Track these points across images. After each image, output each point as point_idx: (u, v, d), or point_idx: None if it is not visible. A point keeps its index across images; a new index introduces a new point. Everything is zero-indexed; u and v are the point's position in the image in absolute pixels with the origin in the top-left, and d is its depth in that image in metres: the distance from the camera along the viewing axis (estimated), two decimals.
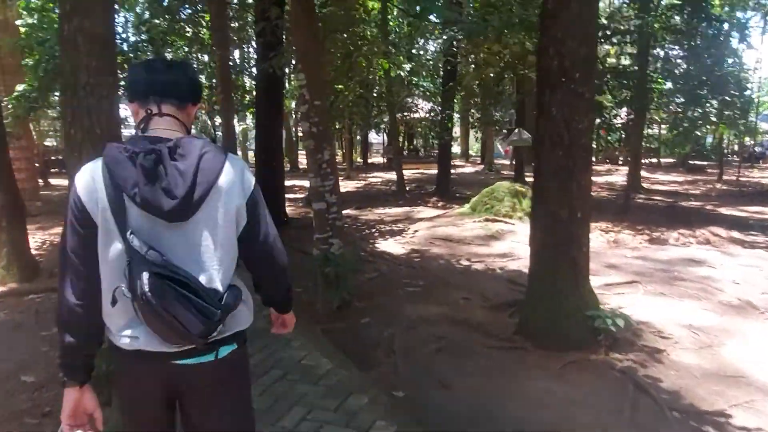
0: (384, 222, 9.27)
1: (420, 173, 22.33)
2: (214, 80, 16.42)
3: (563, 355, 3.59)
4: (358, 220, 9.49)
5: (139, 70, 1.33)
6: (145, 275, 1.10)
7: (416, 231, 8.00)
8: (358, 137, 29.61)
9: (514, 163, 28.38)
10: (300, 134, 27.46)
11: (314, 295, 4.68)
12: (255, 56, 19.56)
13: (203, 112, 24.57)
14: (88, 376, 1.28)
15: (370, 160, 31.06)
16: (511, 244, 7.11)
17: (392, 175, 21.80)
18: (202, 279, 1.20)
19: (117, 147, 1.19)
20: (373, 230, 8.45)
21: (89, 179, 1.19)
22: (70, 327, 1.22)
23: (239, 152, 24.23)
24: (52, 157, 22.01)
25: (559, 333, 3.69)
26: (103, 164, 1.19)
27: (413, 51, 15.13)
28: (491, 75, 14.02)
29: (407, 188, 14.11)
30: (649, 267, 6.10)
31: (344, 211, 10.76)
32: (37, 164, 20.79)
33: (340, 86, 18.23)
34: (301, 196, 13.47)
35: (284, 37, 8.02)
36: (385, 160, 27.95)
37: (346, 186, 16.22)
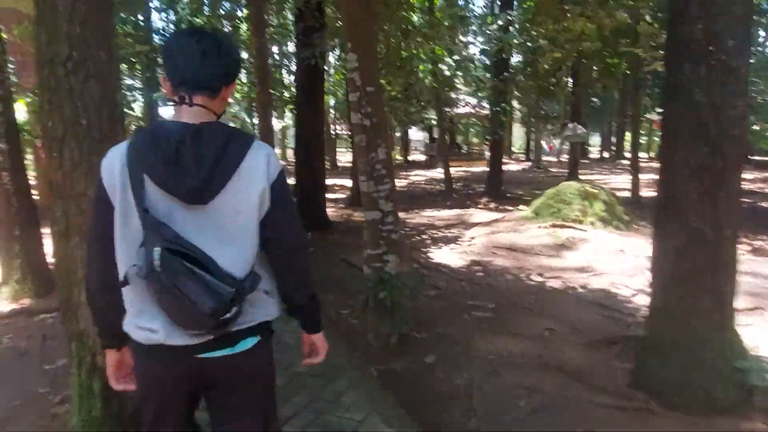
0: (435, 227, 8.37)
1: (464, 171, 21.31)
2: (251, 75, 16.01)
3: (704, 420, 2.65)
4: (406, 224, 8.64)
5: (173, 50, 1.24)
6: (157, 250, 1.10)
7: (473, 238, 7.09)
8: (397, 134, 28.74)
9: (561, 159, 27.00)
10: (338, 131, 26.94)
11: (364, 322, 3.88)
12: (294, 50, 19.15)
13: (241, 108, 24.36)
14: (124, 340, 1.28)
15: (410, 158, 30.21)
16: (586, 256, 6.10)
17: (435, 174, 20.94)
18: (219, 261, 1.16)
19: (143, 131, 1.22)
20: (425, 236, 7.58)
21: (111, 161, 1.21)
22: (96, 307, 1.31)
23: (278, 151, 23.81)
24: None
25: (697, 390, 2.74)
26: (127, 146, 1.20)
27: (461, 40, 14.13)
28: (545, 66, 12.89)
29: (455, 188, 13.16)
30: (766, 286, 5.02)
31: None
32: None
33: (381, 80, 17.48)
34: (342, 196, 12.75)
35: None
36: (427, 158, 27.00)
37: None
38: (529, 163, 25.03)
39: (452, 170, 22.69)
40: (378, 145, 3.66)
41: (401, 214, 9.54)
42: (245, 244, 1.23)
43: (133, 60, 12.89)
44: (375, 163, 3.65)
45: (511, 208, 10.67)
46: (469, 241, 7.04)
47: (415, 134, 35.87)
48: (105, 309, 1.28)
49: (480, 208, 10.47)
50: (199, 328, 1.17)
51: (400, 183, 16.89)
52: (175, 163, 1.15)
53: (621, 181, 15.72)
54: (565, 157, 31.43)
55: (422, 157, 32.61)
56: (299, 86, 7.83)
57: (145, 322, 1.19)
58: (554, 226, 7.16)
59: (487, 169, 18.96)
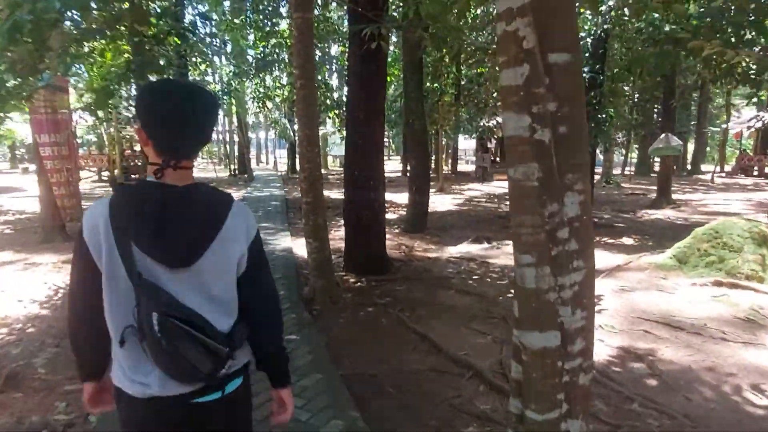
0: None
1: None
2: (291, 77, 14.30)
3: None
4: (488, 265, 6.54)
5: (153, 115, 1.21)
6: (155, 315, 1.13)
7: (601, 298, 4.93)
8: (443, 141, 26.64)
9: (627, 173, 24.22)
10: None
11: None
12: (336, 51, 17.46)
13: (282, 113, 22.82)
14: (103, 372, 1.35)
15: (459, 169, 28.04)
16: None
17: (492, 188, 18.71)
18: (209, 320, 1.21)
19: (125, 191, 1.22)
20: None
21: (95, 221, 1.20)
22: (79, 354, 1.34)
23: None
24: (131, 163, 21.18)
25: None
26: (109, 206, 1.20)
27: None
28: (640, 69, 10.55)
29: None
30: None
31: (460, 247, 7.68)
32: (106, 175, 19.97)
33: (434, 84, 15.57)
34: (394, 216, 10.75)
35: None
36: (478, 170, 24.76)
37: (442, 202, 13.30)
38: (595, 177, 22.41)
39: (507, 184, 20.38)
40: (567, 185, 1.62)
41: (477, 250, 7.43)
42: (229, 301, 1.29)
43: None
44: (557, 225, 1.61)
45: (609, 240, 8.43)
46: (598, 305, 4.89)
47: (461, 143, 33.63)
48: (88, 348, 1.32)
49: None
50: (196, 383, 1.23)
51: (455, 199, 14.79)
52: (161, 230, 1.17)
53: (737, 206, 13.12)
54: (628, 170, 28.59)
55: (470, 168, 30.42)
56: (352, 80, 5.86)
57: (140, 377, 1.22)
58: (719, 284, 4.92)
59: None
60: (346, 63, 6.87)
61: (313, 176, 4.83)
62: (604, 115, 9.11)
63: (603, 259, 6.63)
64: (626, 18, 9.17)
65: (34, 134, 7.90)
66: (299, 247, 7.55)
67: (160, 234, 1.17)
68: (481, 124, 19.07)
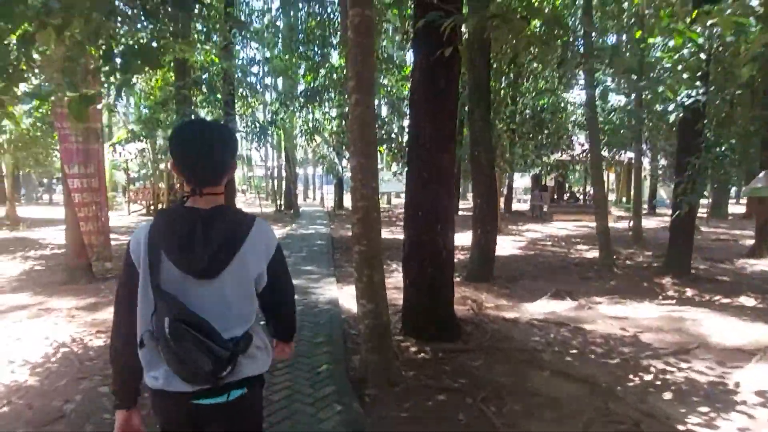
0: (653, 351, 4.74)
1: (585, 226, 17.29)
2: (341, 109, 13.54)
3: None
4: (585, 333, 5.14)
5: (181, 149, 1.46)
6: (167, 320, 1.32)
7: (762, 404, 3.47)
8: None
9: (707, 215, 22.01)
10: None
11: None
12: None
13: (331, 148, 22.26)
14: (134, 402, 1.51)
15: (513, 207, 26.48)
16: None
17: (551, 229, 17.12)
18: (219, 327, 1.37)
19: (164, 214, 1.47)
20: (644, 381, 4.04)
21: (138, 238, 1.43)
22: (117, 364, 1.49)
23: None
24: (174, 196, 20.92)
25: None
26: (150, 227, 1.43)
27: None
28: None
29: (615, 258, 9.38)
30: None
31: (539, 304, 6.10)
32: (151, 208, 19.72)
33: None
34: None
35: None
36: (534, 209, 23.17)
37: (503, 245, 11.80)
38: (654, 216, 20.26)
39: (568, 225, 18.79)
40: None
41: (562, 310, 5.96)
42: (246, 309, 1.47)
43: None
44: None
45: (722, 299, 6.83)
46: (763, 415, 3.43)
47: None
48: (125, 368, 1.47)
49: (686, 300, 6.74)
50: (199, 384, 1.37)
51: (516, 241, 13.36)
52: (188, 245, 1.37)
53: None
54: (701, 212, 26.07)
55: (523, 206, 28.74)
56: (417, 98, 4.77)
57: (153, 372, 1.41)
58: None
59: (623, 225, 15.06)
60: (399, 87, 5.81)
61: (369, 218, 3.72)
62: (722, 148, 7.65)
63: (735, 331, 5.11)
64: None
65: (62, 164, 7.28)
66: (346, 297, 6.41)
67: (189, 249, 1.37)
68: (540, 159, 17.73)
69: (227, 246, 1.40)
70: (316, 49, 13.70)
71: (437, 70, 4.50)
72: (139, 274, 1.39)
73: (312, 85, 13.01)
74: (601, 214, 9.34)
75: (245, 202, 34.27)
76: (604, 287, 7.55)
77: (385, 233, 11.97)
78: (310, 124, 15.84)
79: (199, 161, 1.43)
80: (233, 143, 1.51)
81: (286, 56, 14.95)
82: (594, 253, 10.10)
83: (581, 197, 24.81)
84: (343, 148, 16.19)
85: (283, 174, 26.86)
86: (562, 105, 17.70)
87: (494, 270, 8.03)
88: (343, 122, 13.28)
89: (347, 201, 33.74)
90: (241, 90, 13.18)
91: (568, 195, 25.56)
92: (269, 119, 13.79)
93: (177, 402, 1.40)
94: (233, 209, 1.48)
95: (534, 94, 14.41)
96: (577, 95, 19.76)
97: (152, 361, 1.39)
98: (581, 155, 18.36)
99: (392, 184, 35.30)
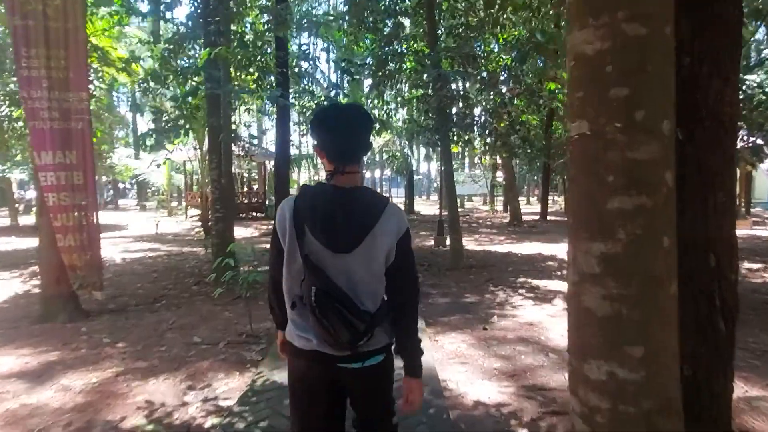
0: None
1: None
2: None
3: None
4: None
5: (323, 131, 1.59)
6: (313, 289, 1.46)
7: None
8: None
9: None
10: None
11: None
12: None
13: (403, 146, 19.69)
14: (284, 327, 1.69)
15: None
16: None
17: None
18: (355, 299, 1.50)
19: (307, 190, 1.59)
20: None
21: (283, 212, 1.57)
22: (272, 307, 1.75)
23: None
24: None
25: None
26: (294, 200, 1.57)
27: None
28: None
29: None
30: None
31: None
32: (199, 224, 17.60)
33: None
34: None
35: None
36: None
37: None
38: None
39: None
40: None
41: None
42: (376, 284, 1.57)
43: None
44: None
45: None
46: None
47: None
48: (276, 308, 1.72)
49: None
50: (339, 350, 1.51)
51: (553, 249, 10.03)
52: (330, 221, 1.50)
53: None
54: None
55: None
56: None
57: (303, 333, 1.56)
58: None
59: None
60: None
61: None
62: None
63: None
64: None
65: (31, 152, 5.11)
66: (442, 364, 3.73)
67: (329, 224, 1.49)
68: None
69: (363, 224, 1.51)
70: (385, 19, 11.15)
71: None
72: (281, 246, 1.56)
73: (385, 58, 10.38)
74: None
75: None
76: None
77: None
78: (377, 112, 13.27)
79: (341, 142, 1.56)
80: (371, 123, 1.64)
81: (351, 35, 12.53)
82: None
83: None
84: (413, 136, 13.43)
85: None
86: None
87: None
88: (421, 105, 10.57)
89: (417, 204, 31.05)
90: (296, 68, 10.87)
91: None
92: (332, 92, 11.17)
93: (322, 362, 1.55)
94: (371, 190, 1.61)
95: None
96: None
97: (303, 323, 1.55)
98: None
99: (467, 186, 32.19)
